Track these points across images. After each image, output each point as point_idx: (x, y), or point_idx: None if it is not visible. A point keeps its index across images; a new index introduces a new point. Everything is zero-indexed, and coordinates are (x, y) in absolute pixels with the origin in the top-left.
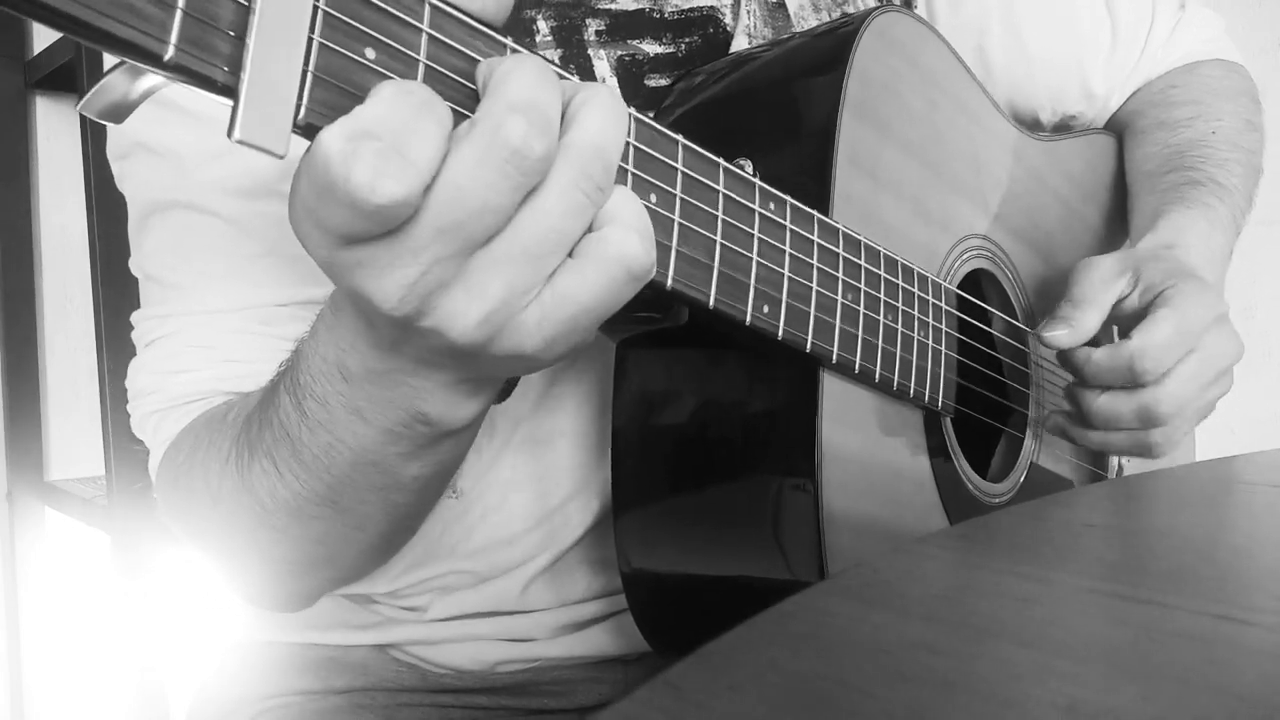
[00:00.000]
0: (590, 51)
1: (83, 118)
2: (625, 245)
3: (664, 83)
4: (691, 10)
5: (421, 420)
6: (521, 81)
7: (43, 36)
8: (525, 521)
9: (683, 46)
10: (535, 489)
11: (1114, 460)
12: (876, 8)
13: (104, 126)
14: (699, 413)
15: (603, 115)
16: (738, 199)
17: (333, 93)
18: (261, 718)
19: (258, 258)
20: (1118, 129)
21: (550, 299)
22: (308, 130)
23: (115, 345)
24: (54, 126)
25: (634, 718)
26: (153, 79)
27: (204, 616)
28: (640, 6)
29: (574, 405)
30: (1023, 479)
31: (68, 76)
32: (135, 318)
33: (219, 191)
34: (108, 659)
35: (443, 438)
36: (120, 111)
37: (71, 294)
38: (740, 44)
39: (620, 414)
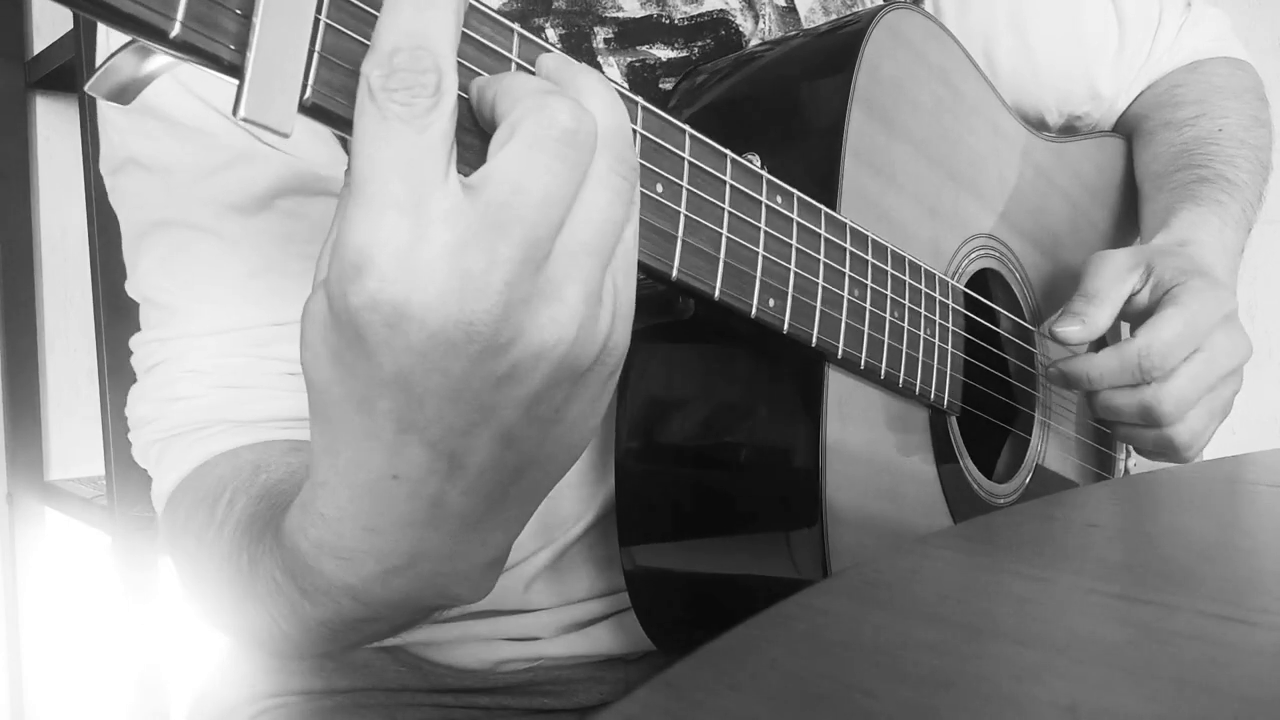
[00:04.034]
0: (600, 59)
1: (83, 118)
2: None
3: None
4: (701, 15)
5: (443, 605)
6: (546, 70)
7: (43, 36)
8: None
9: (695, 50)
10: None
11: (1119, 462)
12: (886, 4)
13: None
14: (702, 409)
15: (606, 99)
16: (745, 191)
17: (338, 74)
18: (261, 718)
19: (255, 275)
20: (1125, 131)
21: (618, 301)
22: (313, 110)
23: (115, 345)
24: (54, 126)
25: (634, 718)
26: (160, 59)
27: None
28: (648, 13)
29: None
30: (1028, 480)
31: (68, 76)
32: (134, 342)
33: (214, 208)
34: (108, 659)
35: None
36: (127, 92)
37: (71, 294)
38: None
39: (623, 410)
